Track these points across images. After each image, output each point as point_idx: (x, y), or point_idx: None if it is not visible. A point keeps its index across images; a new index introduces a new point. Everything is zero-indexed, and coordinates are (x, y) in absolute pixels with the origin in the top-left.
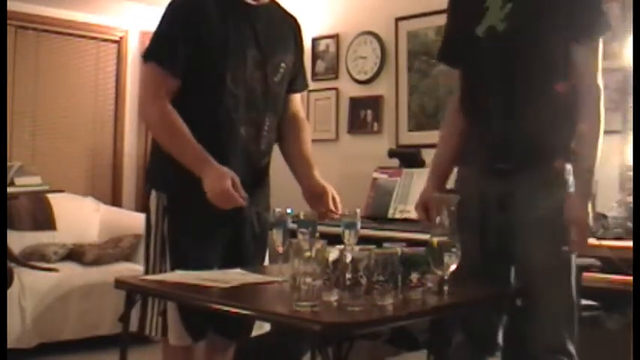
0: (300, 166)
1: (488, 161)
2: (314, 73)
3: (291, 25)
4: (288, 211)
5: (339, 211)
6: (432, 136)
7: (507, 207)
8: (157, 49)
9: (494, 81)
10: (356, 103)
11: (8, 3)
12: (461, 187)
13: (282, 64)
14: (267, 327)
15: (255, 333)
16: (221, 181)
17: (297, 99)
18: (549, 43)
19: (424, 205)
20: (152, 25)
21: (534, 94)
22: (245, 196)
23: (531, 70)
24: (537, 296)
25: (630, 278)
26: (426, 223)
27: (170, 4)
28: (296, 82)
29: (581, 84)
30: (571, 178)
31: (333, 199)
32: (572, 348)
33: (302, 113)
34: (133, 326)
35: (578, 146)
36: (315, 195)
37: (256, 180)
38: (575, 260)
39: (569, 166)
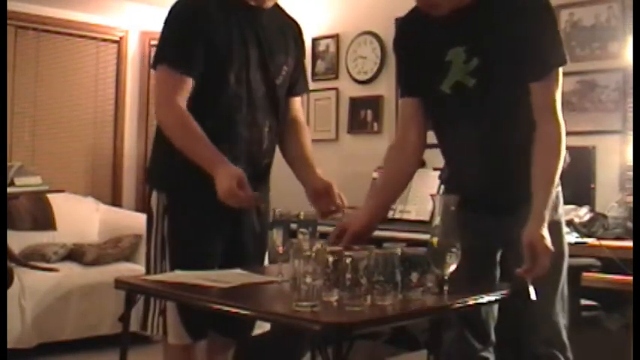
0: (302, 168)
1: (470, 206)
2: (314, 73)
3: (292, 29)
4: None
5: (346, 206)
6: (432, 136)
7: (498, 213)
8: (167, 52)
9: (468, 132)
10: (356, 103)
11: (8, 3)
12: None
13: (285, 67)
14: (267, 325)
15: (256, 332)
16: (227, 181)
17: (297, 103)
18: (518, 93)
19: (342, 230)
20: (152, 25)
21: (511, 144)
22: (254, 194)
23: (506, 122)
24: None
25: (630, 278)
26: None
27: (173, 8)
28: (297, 85)
29: (540, 120)
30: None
31: (339, 195)
32: (565, 339)
33: (302, 117)
34: (135, 325)
35: (532, 183)
36: (320, 194)
37: (257, 180)
38: (567, 253)
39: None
